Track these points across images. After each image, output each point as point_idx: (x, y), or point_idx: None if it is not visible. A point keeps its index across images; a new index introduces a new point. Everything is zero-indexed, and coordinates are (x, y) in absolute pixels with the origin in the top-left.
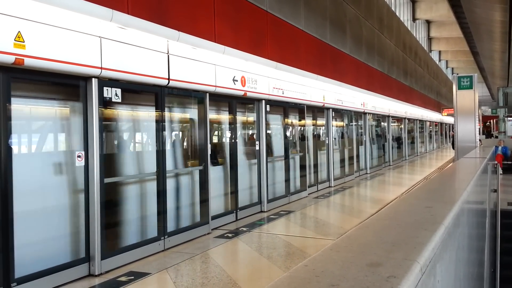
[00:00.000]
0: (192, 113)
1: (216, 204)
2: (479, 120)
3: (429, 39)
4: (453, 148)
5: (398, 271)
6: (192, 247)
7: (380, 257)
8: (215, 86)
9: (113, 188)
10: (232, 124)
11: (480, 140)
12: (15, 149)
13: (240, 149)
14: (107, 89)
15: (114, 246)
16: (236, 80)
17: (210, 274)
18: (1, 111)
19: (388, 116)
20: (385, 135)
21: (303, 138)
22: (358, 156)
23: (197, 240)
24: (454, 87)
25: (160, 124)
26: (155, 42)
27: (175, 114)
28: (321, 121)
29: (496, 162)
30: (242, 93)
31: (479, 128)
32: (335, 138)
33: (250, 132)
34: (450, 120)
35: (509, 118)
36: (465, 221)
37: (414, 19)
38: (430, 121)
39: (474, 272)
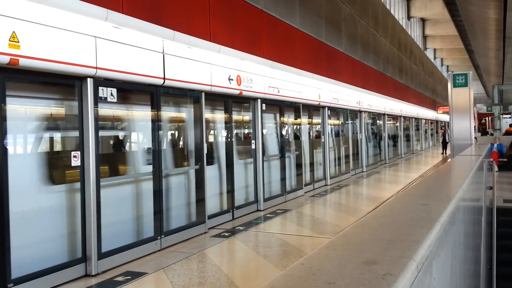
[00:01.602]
0: (188, 112)
1: (213, 203)
2: (474, 118)
3: (424, 37)
4: (443, 147)
5: (394, 268)
6: (189, 247)
7: (376, 255)
8: (211, 85)
9: (109, 187)
10: (228, 123)
11: (475, 138)
12: (10, 149)
13: (236, 148)
14: (103, 89)
15: (110, 246)
16: (232, 79)
17: (207, 273)
18: None
19: (384, 114)
20: (381, 133)
21: (299, 136)
22: (354, 154)
23: (193, 240)
24: (449, 85)
25: (156, 123)
26: (150, 41)
27: (171, 114)
28: (317, 120)
29: (491, 159)
30: (237, 92)
31: (474, 126)
32: (331, 137)
33: (246, 131)
34: (445, 118)
35: (504, 116)
36: (461, 218)
37: (409, 17)
38: (425, 119)
39: (471, 269)
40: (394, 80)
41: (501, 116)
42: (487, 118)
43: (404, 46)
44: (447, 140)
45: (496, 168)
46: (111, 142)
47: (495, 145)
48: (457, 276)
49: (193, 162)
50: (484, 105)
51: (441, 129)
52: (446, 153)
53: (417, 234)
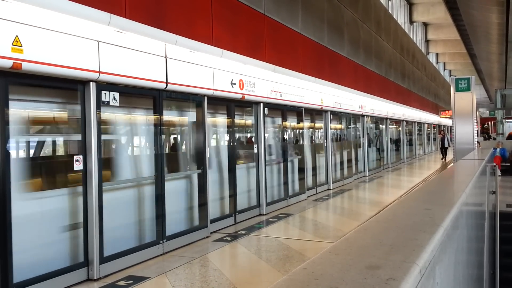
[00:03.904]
0: (190, 116)
1: (215, 207)
2: (477, 122)
3: (427, 42)
4: (442, 152)
5: (397, 273)
6: (191, 251)
7: (379, 260)
8: (213, 89)
9: (111, 192)
10: (230, 127)
11: (478, 142)
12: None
13: (239, 152)
14: (105, 93)
15: (112, 250)
16: (234, 83)
17: (209, 278)
18: None
19: (386, 119)
20: (383, 137)
21: (301, 140)
22: (356, 158)
23: (196, 244)
24: (452, 89)
25: (158, 127)
26: (153, 45)
27: (173, 118)
28: (319, 124)
29: (494, 163)
30: (240, 96)
31: (477, 130)
32: (333, 141)
33: (249, 135)
34: (448, 122)
35: (507, 120)
36: (464, 223)
37: (411, 22)
38: (428, 123)
39: (474, 274)
40: (397, 85)
41: (504, 120)
42: (489, 123)
43: (407, 50)
44: (445, 145)
45: (499, 173)
46: (114, 146)
47: (498, 150)
48: (460, 281)
49: (196, 166)
50: (486, 110)
51: (440, 133)
52: (446, 160)
53: (420, 238)
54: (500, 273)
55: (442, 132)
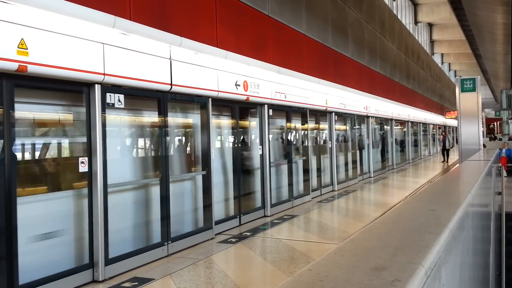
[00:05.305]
0: (194, 118)
1: (220, 209)
2: (482, 123)
3: (431, 42)
4: (444, 154)
5: (403, 274)
6: (196, 252)
7: (385, 261)
8: (218, 91)
9: (117, 193)
10: (235, 128)
11: (484, 144)
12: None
13: (243, 153)
14: (110, 95)
15: (117, 252)
16: (239, 85)
17: (214, 279)
18: (5, 118)
19: (391, 120)
20: (388, 138)
21: (306, 142)
22: (361, 159)
23: (200, 245)
24: (457, 90)
25: (163, 129)
26: (157, 47)
27: (178, 119)
28: (323, 125)
29: (500, 164)
30: (244, 97)
31: (483, 131)
32: (338, 142)
33: (253, 136)
34: (453, 122)
35: None
36: (470, 224)
37: (416, 22)
38: (433, 124)
39: (480, 275)
40: (401, 85)
41: (509, 121)
42: (495, 123)
43: (411, 51)
44: (447, 147)
45: (504, 173)
46: (119, 148)
47: (504, 150)
48: (466, 282)
49: (200, 168)
50: (492, 110)
51: (441, 134)
52: (448, 162)
53: (425, 239)
54: (506, 274)
55: (443, 133)
